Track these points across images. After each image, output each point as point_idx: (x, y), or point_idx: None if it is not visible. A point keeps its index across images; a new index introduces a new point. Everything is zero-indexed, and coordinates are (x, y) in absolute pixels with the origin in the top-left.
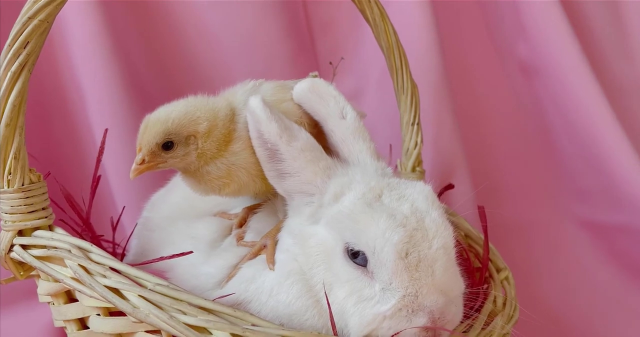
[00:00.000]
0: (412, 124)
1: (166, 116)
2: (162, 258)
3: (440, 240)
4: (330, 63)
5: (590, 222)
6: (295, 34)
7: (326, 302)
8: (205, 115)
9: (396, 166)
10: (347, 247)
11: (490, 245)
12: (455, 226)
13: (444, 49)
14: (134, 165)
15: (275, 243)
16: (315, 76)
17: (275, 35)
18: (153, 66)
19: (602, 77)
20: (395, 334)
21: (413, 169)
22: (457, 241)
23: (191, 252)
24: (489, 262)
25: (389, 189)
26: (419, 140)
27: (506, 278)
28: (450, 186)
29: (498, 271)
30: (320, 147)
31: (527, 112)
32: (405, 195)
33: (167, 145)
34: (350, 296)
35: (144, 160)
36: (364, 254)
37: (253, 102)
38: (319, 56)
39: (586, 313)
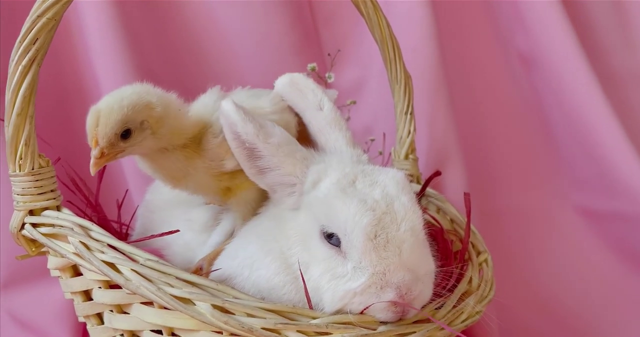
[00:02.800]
0: (406, 113)
1: (119, 104)
2: (152, 236)
3: (408, 223)
4: (329, 55)
5: (586, 210)
6: (301, 27)
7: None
8: (158, 101)
9: (390, 154)
10: (322, 230)
11: (474, 230)
12: (443, 212)
13: (442, 39)
14: (93, 160)
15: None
16: (314, 68)
17: (283, 28)
18: (165, 57)
19: (600, 68)
20: (365, 309)
21: (406, 157)
22: (439, 224)
23: (178, 230)
24: (470, 247)
25: (363, 175)
26: (412, 128)
27: (485, 261)
28: (437, 173)
29: (478, 254)
30: (294, 140)
31: (524, 101)
32: (378, 181)
33: (125, 134)
34: (324, 274)
35: (103, 153)
36: (337, 235)
37: (226, 106)
38: (323, 47)
39: (582, 299)
